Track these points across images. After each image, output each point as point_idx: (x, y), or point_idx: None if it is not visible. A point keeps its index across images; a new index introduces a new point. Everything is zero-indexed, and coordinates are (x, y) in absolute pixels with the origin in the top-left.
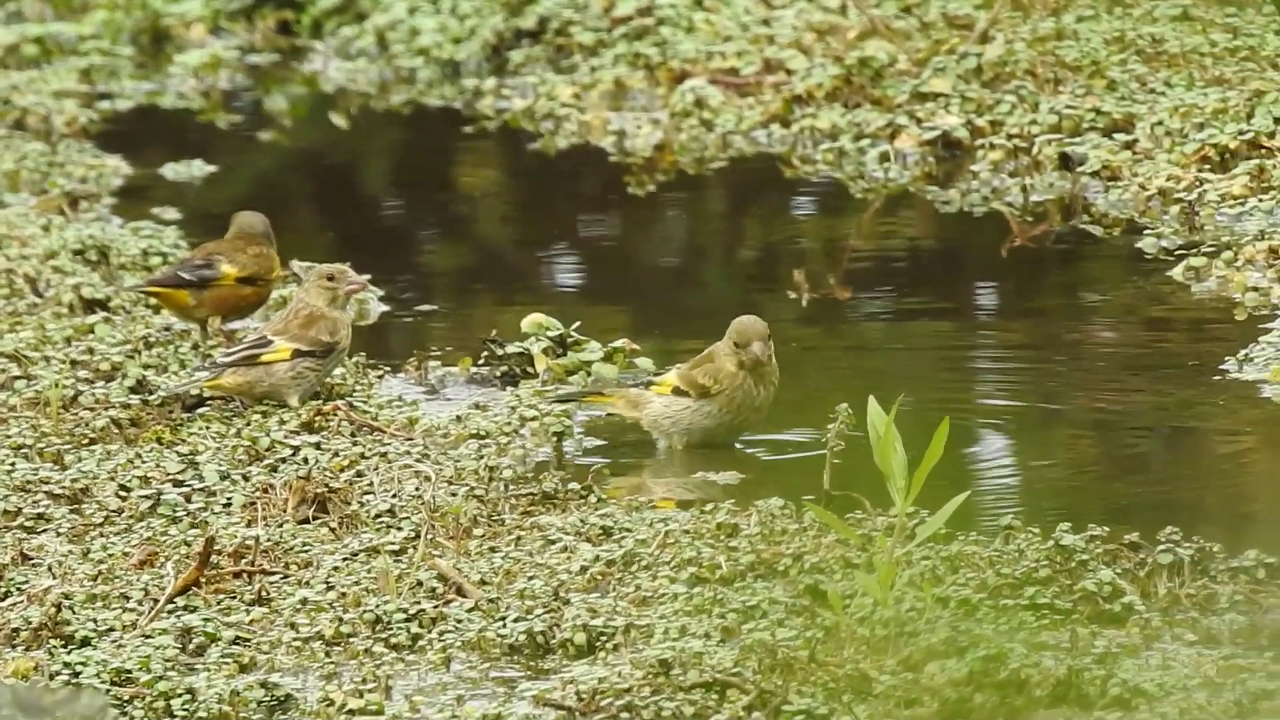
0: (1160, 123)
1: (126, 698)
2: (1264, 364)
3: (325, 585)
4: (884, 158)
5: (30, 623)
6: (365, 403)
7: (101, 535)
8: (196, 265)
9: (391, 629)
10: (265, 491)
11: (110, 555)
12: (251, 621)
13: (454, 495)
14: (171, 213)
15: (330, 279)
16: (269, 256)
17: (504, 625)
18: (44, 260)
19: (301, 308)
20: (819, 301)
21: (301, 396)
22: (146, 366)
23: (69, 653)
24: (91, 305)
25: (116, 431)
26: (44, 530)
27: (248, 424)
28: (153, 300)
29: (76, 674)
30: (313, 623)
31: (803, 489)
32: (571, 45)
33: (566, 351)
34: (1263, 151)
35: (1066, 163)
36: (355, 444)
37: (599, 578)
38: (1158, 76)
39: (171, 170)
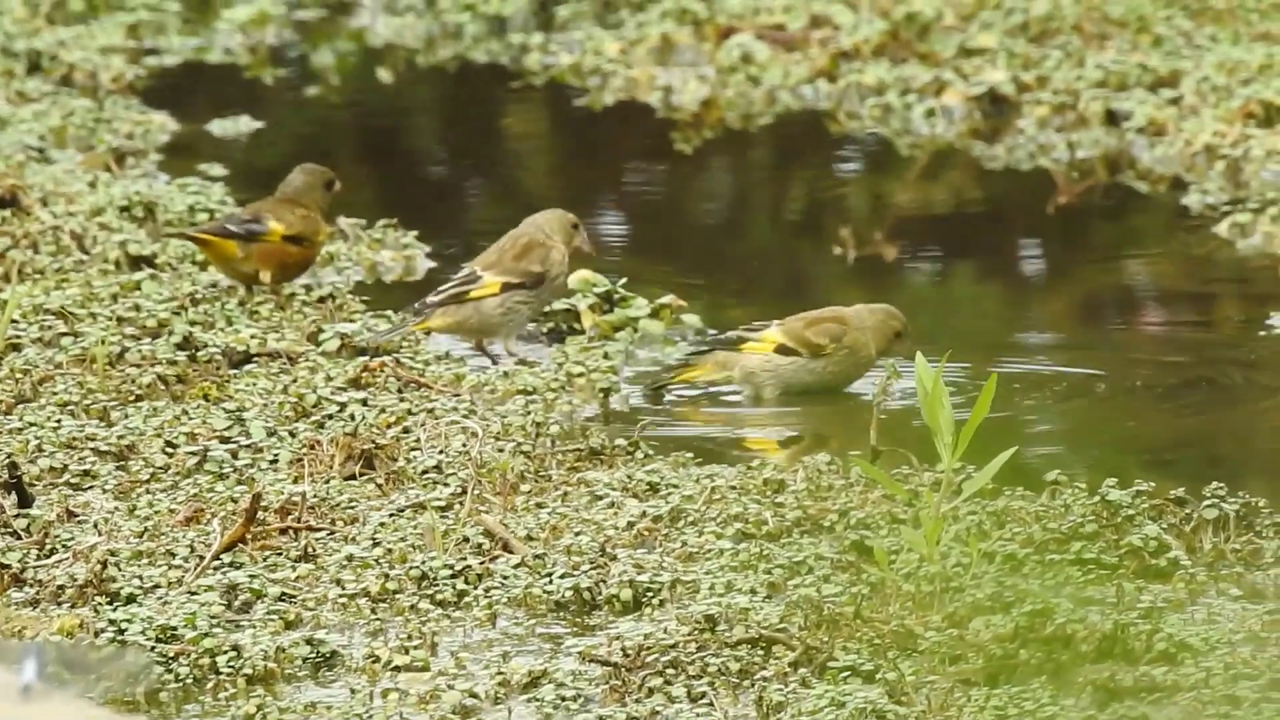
0: (1206, 78)
1: (171, 654)
2: None
3: (371, 542)
4: (930, 113)
5: (76, 580)
6: (412, 359)
7: (148, 492)
8: (244, 220)
9: (437, 585)
10: (312, 448)
11: (156, 512)
12: (297, 578)
13: (501, 451)
14: (218, 169)
15: (575, 225)
16: (315, 219)
17: (550, 581)
18: (90, 217)
19: (521, 236)
20: (864, 258)
21: (517, 333)
22: (193, 323)
23: (114, 610)
24: (138, 262)
25: (163, 388)
26: (90, 487)
27: (294, 380)
28: (200, 254)
29: (122, 631)
30: (358, 579)
31: (850, 445)
32: (618, 1)
33: (613, 308)
34: None
35: (1112, 118)
36: (402, 400)
37: (645, 533)
38: (1203, 32)
39: (218, 126)
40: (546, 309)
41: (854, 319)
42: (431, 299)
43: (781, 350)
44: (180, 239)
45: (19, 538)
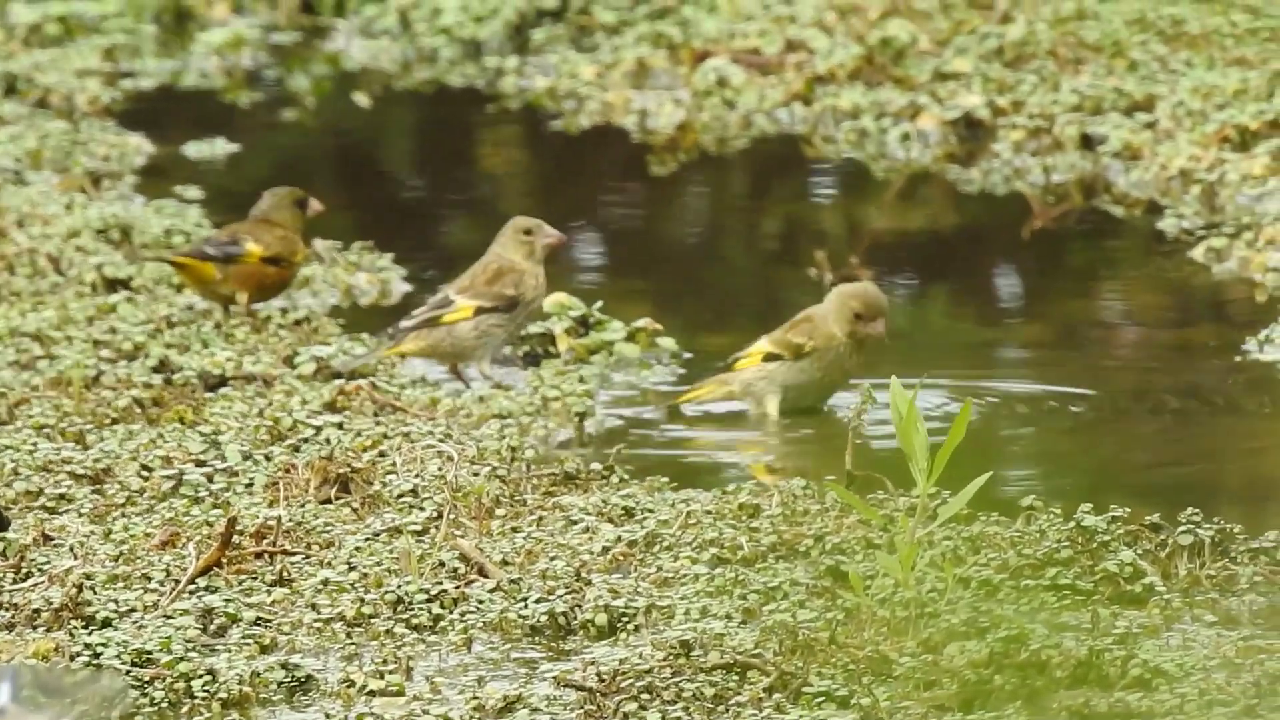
0: (1181, 103)
1: (147, 679)
2: None
3: (347, 566)
4: (905, 137)
5: (51, 603)
6: (388, 383)
7: (123, 515)
8: (222, 242)
9: (413, 610)
10: (287, 471)
11: (132, 536)
12: (273, 602)
13: (476, 475)
14: (194, 192)
15: (527, 232)
16: (293, 239)
17: (525, 606)
18: (66, 239)
19: (490, 261)
20: (840, 281)
21: (492, 356)
22: (169, 346)
23: (90, 634)
24: (114, 284)
25: (139, 411)
26: (66, 510)
27: (270, 404)
28: (177, 277)
29: (97, 655)
30: (334, 603)
31: (825, 469)
32: (593, 24)
33: (589, 331)
34: None
35: (1088, 142)
36: (378, 424)
37: (620, 558)
38: (1179, 57)
39: (194, 149)
40: (522, 332)
41: (818, 314)
42: (405, 323)
43: (768, 358)
44: (158, 262)
45: None
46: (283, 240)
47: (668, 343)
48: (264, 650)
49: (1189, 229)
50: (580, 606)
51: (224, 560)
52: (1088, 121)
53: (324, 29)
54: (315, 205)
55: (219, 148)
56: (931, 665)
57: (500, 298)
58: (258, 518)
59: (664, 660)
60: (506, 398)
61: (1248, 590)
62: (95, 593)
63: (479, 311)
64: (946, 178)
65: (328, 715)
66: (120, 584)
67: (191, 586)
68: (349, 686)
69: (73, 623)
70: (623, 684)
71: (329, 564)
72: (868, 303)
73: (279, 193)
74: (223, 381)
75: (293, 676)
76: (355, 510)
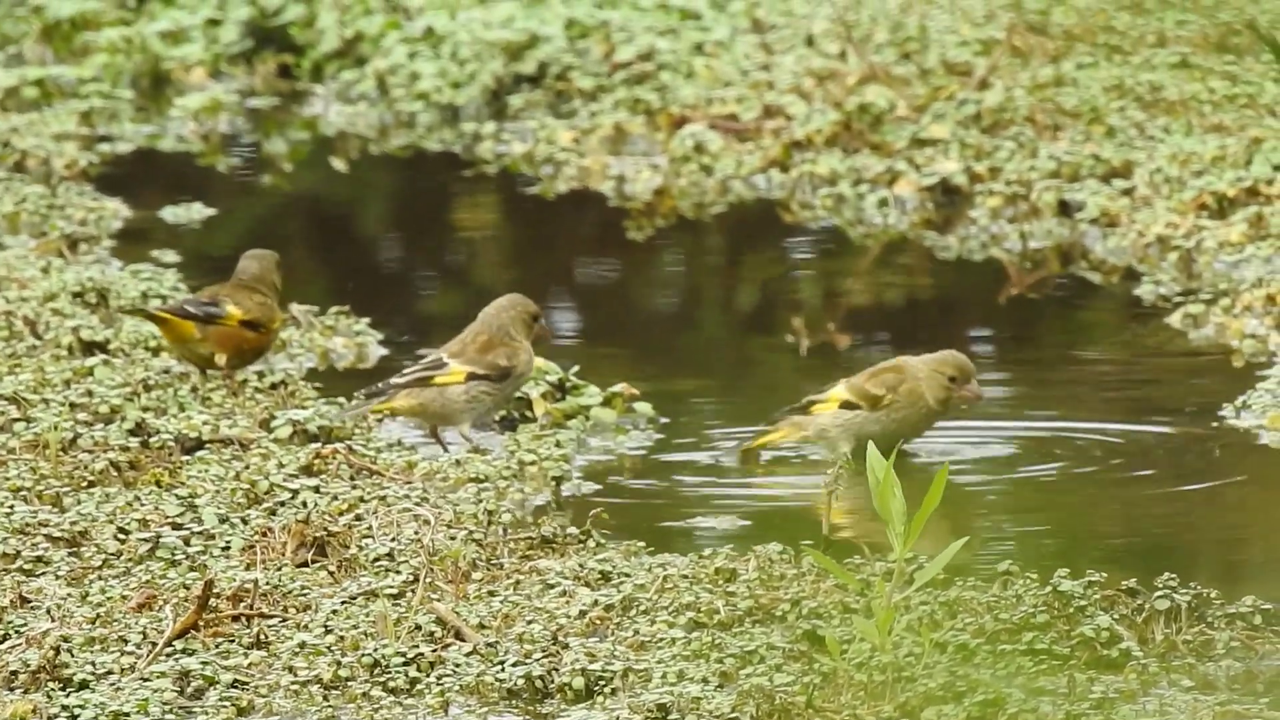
0: (1159, 169)
1: None
2: (1261, 411)
3: (324, 629)
4: (883, 203)
5: (29, 665)
6: (365, 446)
7: (100, 578)
8: (203, 303)
9: (390, 673)
10: (264, 535)
11: (109, 598)
12: (250, 665)
13: (453, 539)
14: (171, 256)
15: (535, 318)
16: (271, 307)
17: (502, 669)
18: (43, 302)
19: (481, 332)
20: (817, 347)
21: (475, 422)
22: (145, 409)
23: (67, 695)
24: (91, 347)
25: (115, 474)
26: (43, 573)
27: (246, 467)
28: (156, 337)
29: (74, 717)
30: (311, 666)
31: (801, 534)
32: (571, 90)
33: (565, 396)
34: (1261, 199)
35: (1065, 209)
36: (354, 487)
37: (597, 622)
38: (1156, 123)
39: (171, 213)
40: (509, 402)
41: (910, 368)
42: (396, 380)
43: (845, 405)
44: (138, 316)
45: None
46: (261, 306)
47: (644, 407)
48: (241, 713)
49: (1166, 295)
50: (557, 670)
51: (201, 623)
52: (1065, 188)
53: (301, 94)
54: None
55: (196, 212)
56: None
57: (494, 367)
58: (235, 580)
59: None
60: (483, 461)
61: (1224, 655)
62: (73, 655)
63: (471, 377)
64: (924, 244)
65: None
66: (97, 646)
67: (168, 649)
68: None
69: (50, 685)
70: None
71: (306, 627)
72: (960, 367)
73: (262, 256)
74: (200, 445)
75: None
76: (332, 573)
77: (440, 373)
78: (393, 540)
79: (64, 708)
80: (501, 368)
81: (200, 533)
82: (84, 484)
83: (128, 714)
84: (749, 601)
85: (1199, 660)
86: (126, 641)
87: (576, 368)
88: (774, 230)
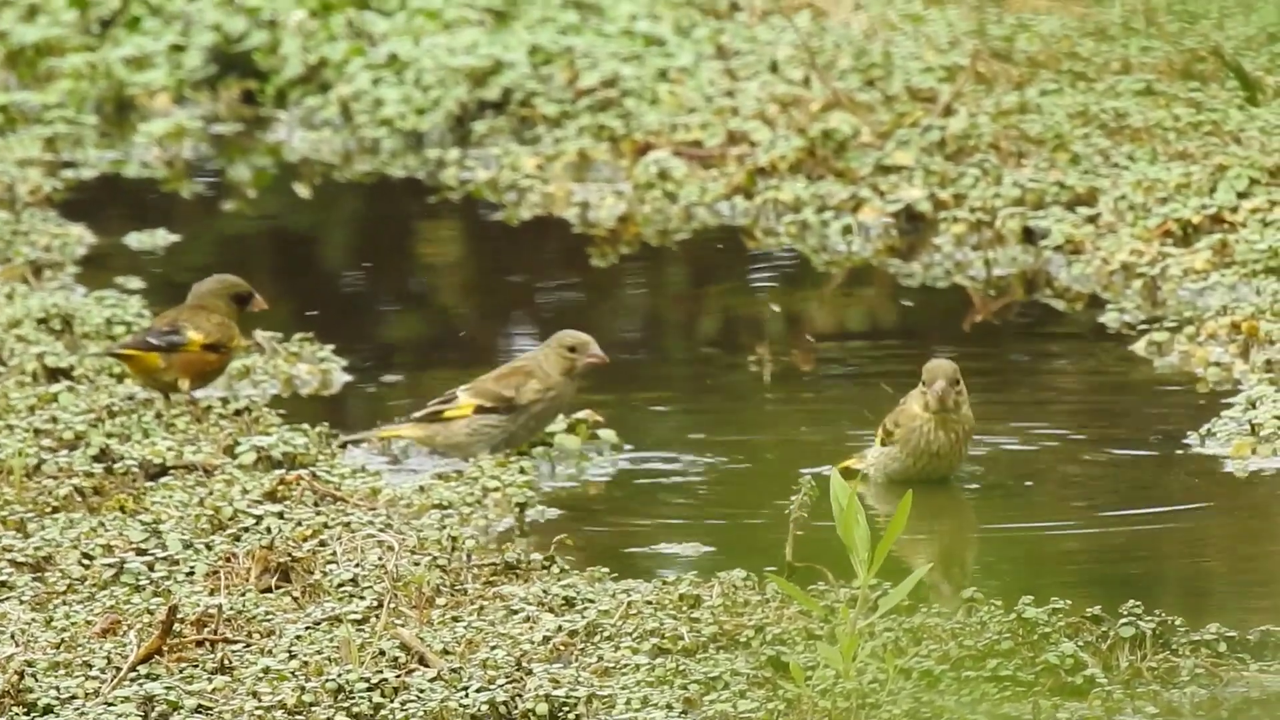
0: (1123, 197)
1: None
2: (1226, 439)
3: (288, 654)
4: (847, 230)
5: None
6: (328, 472)
7: (64, 603)
8: (163, 331)
9: (354, 698)
10: (228, 560)
11: (73, 623)
12: (214, 690)
13: (417, 565)
14: (135, 282)
15: (571, 349)
16: (229, 326)
17: (466, 695)
18: (7, 329)
19: (517, 363)
20: (780, 374)
21: (489, 451)
22: (110, 435)
23: None
24: (55, 374)
25: (80, 500)
26: (6, 598)
27: (210, 493)
28: (119, 366)
29: None
30: (275, 691)
31: (765, 560)
32: (535, 116)
33: None
34: (1225, 226)
35: (1030, 236)
36: (318, 513)
37: (561, 648)
38: (1121, 151)
39: (135, 239)
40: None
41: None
42: (415, 415)
43: (480, 411)
44: (103, 355)
45: None
46: (220, 327)
47: (608, 435)
48: None
49: (1131, 323)
50: (521, 696)
51: (165, 648)
52: (1030, 215)
53: (265, 120)
54: (260, 303)
55: (160, 238)
56: None
57: (499, 399)
58: (199, 606)
59: None
60: (447, 488)
61: (1189, 682)
62: (36, 680)
63: (477, 410)
64: (888, 271)
65: None
66: (61, 671)
67: (133, 674)
68: None
69: (14, 709)
70: None
71: (270, 652)
72: (927, 369)
73: (223, 280)
74: (164, 471)
75: None
76: (296, 599)
77: (450, 406)
78: (357, 566)
79: None
80: (506, 399)
81: (164, 558)
82: (48, 509)
83: None
84: (713, 627)
85: (1163, 687)
86: (91, 666)
87: None
88: (738, 257)
